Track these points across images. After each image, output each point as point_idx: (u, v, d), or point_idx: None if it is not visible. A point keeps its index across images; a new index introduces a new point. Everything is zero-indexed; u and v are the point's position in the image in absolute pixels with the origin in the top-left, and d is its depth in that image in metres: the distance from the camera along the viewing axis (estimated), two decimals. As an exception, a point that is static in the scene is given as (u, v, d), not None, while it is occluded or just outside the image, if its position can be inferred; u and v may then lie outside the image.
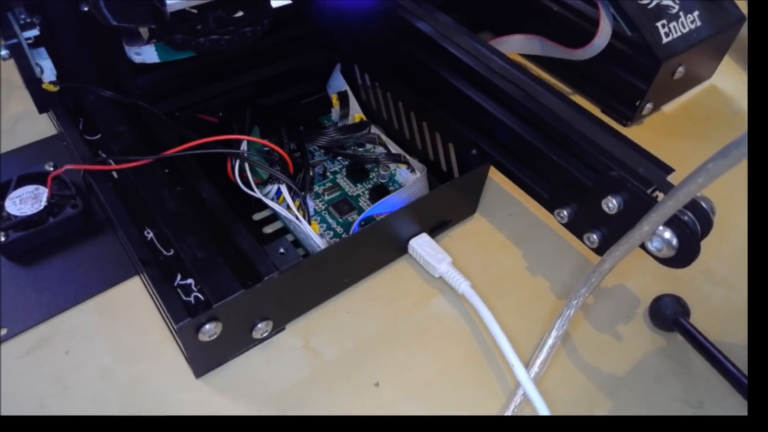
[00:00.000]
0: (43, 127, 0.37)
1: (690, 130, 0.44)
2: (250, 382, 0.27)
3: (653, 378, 0.29)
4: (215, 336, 0.24)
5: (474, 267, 0.32)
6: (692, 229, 0.24)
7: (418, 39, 0.35)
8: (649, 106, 0.43)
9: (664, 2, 0.42)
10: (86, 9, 0.27)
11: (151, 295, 0.29)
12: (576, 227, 0.30)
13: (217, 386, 0.27)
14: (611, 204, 0.26)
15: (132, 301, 0.29)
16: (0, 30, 0.26)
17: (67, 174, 0.32)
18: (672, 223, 0.24)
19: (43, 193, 0.32)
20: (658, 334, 0.31)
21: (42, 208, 0.31)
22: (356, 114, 0.38)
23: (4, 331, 0.27)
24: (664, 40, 0.40)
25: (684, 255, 0.24)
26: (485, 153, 0.32)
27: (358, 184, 0.35)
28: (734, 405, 0.28)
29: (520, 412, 0.26)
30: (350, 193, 0.35)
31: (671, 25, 0.41)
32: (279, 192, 0.31)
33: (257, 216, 0.33)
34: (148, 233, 0.27)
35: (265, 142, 0.30)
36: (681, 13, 0.42)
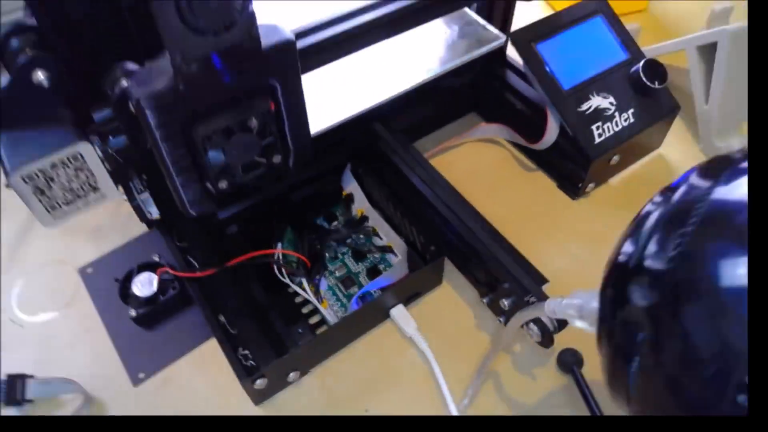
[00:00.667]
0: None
1: (631, 200, 0.56)
2: (290, 407, 0.44)
3: (553, 405, 0.43)
4: (264, 385, 0.41)
5: (436, 325, 0.47)
6: (548, 328, 0.38)
7: (392, 167, 0.50)
8: (591, 185, 0.55)
9: (601, 106, 0.53)
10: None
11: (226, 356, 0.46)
12: (493, 309, 0.44)
13: (267, 409, 0.44)
14: (504, 303, 0.40)
15: (213, 355, 0.46)
16: (126, 195, 0.43)
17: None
18: (538, 320, 0.38)
19: (154, 278, 0.49)
20: (563, 375, 0.45)
21: (155, 290, 0.48)
22: (359, 209, 0.52)
23: (142, 375, 0.45)
24: (597, 140, 0.52)
25: (545, 341, 0.38)
26: (441, 249, 0.46)
27: (359, 263, 0.50)
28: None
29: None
30: (353, 271, 0.50)
31: (605, 126, 0.53)
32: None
33: (298, 298, 0.49)
34: (221, 317, 0.43)
35: (290, 252, 0.46)
36: (616, 114, 0.53)
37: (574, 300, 0.32)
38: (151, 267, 0.50)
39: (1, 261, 0.53)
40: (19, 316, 0.49)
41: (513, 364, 0.46)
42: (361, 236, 0.52)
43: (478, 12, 0.56)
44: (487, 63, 0.57)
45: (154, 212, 0.46)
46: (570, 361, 0.44)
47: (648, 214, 0.28)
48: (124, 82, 0.33)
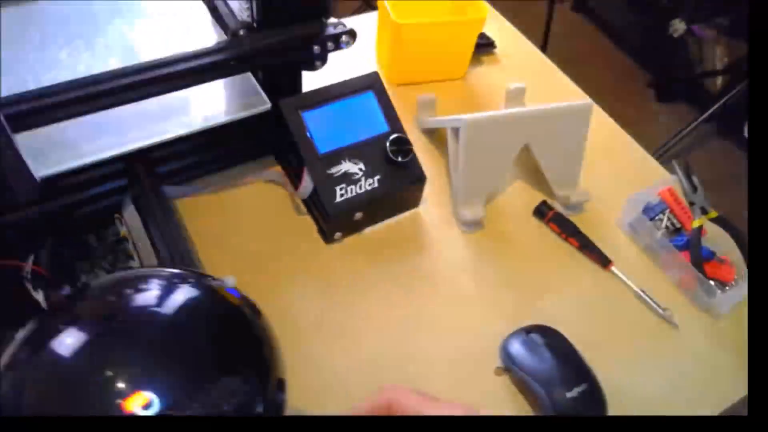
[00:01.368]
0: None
1: (376, 249, 0.65)
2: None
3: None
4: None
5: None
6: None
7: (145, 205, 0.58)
8: (338, 234, 0.64)
9: (350, 171, 0.62)
10: None
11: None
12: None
13: None
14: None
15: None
16: None
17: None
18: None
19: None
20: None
21: None
22: (123, 231, 0.60)
23: None
24: (337, 199, 0.61)
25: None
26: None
27: (114, 280, 0.58)
28: None
29: None
30: (107, 286, 0.58)
31: (349, 188, 0.61)
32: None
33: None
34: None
35: (31, 264, 0.53)
36: (362, 179, 0.62)
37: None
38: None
39: None
40: None
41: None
42: (119, 256, 0.59)
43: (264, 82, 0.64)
44: (262, 119, 0.64)
45: None
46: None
47: None
48: None
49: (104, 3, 0.66)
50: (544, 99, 0.83)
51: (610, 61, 2.21)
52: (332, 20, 0.61)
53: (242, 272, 0.62)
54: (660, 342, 0.60)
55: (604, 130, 0.81)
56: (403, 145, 0.63)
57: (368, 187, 0.62)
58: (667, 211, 0.67)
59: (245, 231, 0.65)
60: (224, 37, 0.58)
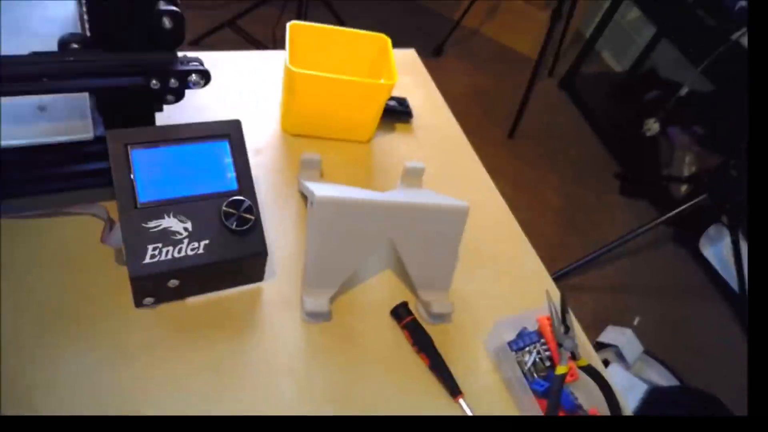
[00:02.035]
0: None
1: (202, 331, 0.55)
2: None
3: None
4: None
5: None
6: None
7: None
8: (149, 300, 0.54)
9: (171, 229, 0.52)
10: None
11: None
12: None
13: None
14: None
15: None
16: None
17: None
18: None
19: None
20: None
21: None
22: None
23: None
24: (147, 260, 0.51)
25: None
26: None
27: None
28: None
29: None
30: None
31: (165, 249, 0.52)
32: None
33: None
34: None
35: None
36: (185, 241, 0.52)
37: None
38: None
39: None
40: None
41: None
42: None
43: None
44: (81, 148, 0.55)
45: None
46: None
47: None
48: None
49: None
50: (447, 183, 0.75)
51: (583, 143, 2.17)
52: (187, 54, 0.53)
53: (34, 319, 0.53)
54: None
55: (505, 231, 0.73)
56: (243, 209, 0.54)
57: (190, 252, 0.52)
58: (541, 342, 0.58)
59: (54, 270, 0.55)
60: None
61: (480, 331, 0.61)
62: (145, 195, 0.52)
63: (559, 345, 0.55)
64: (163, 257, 0.52)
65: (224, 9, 2.05)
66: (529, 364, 0.57)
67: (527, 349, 0.58)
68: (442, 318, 0.60)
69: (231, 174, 0.56)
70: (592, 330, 1.52)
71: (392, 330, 0.59)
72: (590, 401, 0.56)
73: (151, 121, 0.58)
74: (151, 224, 0.52)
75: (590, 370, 0.54)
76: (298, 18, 1.75)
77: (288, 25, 0.72)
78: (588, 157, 2.13)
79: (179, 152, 0.54)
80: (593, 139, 2.19)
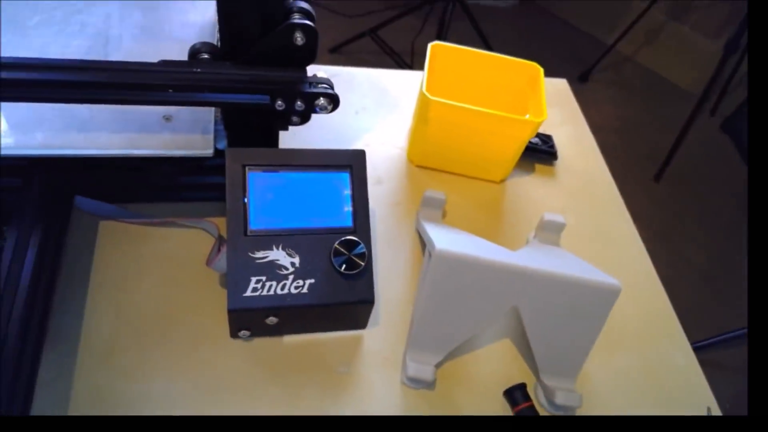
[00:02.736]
0: None
1: (291, 376, 0.50)
2: None
3: None
4: None
5: None
6: None
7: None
8: (245, 333, 0.50)
9: (278, 262, 0.48)
10: None
11: None
12: None
13: None
14: None
15: None
16: None
17: None
18: None
19: None
20: None
21: None
22: None
23: None
24: (248, 293, 0.47)
25: None
26: None
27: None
28: None
29: None
30: None
31: (269, 284, 0.47)
32: None
33: None
34: None
35: None
36: (290, 277, 0.48)
37: None
38: None
39: None
40: None
41: None
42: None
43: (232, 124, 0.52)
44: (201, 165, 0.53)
45: None
46: None
47: None
48: None
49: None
50: (589, 242, 0.64)
51: (742, 195, 1.89)
52: (317, 75, 0.48)
53: (133, 330, 0.52)
54: None
55: (654, 311, 0.61)
56: (355, 251, 0.48)
57: (294, 290, 0.48)
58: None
59: (159, 281, 0.53)
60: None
61: None
62: (256, 222, 0.48)
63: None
64: (265, 292, 0.47)
65: (366, 17, 2.06)
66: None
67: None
68: (564, 410, 0.50)
69: (348, 209, 0.50)
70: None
71: (504, 412, 0.50)
72: None
73: (275, 139, 0.54)
74: (258, 254, 0.48)
75: None
76: (440, 31, 1.70)
77: (430, 45, 0.66)
78: (746, 213, 1.85)
79: (297, 180, 0.50)
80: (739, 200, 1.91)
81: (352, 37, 1.89)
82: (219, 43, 0.50)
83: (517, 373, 0.53)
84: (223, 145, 0.54)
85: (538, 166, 0.72)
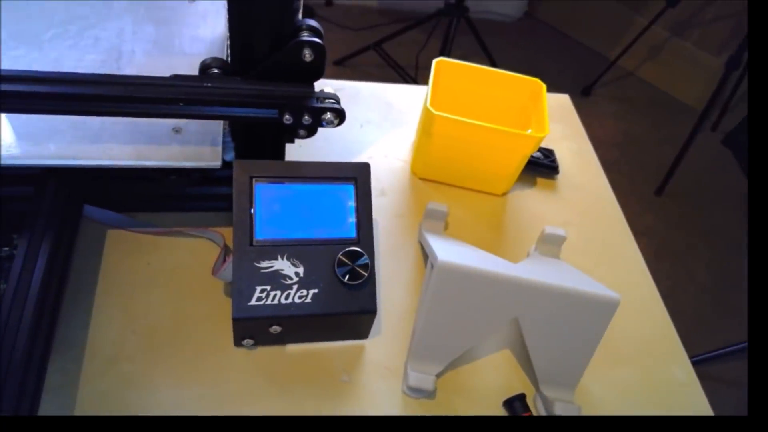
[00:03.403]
0: None
1: (295, 385, 0.51)
2: None
3: None
4: None
5: None
6: None
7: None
8: (249, 341, 0.51)
9: (283, 272, 0.49)
10: None
11: None
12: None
13: None
14: None
15: None
16: None
17: None
18: None
19: None
20: None
21: None
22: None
23: None
24: (252, 302, 0.48)
25: None
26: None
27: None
28: None
29: None
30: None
31: (273, 293, 0.48)
32: None
33: None
34: None
35: None
36: (294, 287, 0.49)
37: None
38: None
39: None
40: None
41: None
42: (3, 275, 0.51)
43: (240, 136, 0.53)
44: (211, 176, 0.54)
45: None
46: None
47: None
48: None
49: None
50: (589, 255, 0.65)
51: (743, 210, 1.90)
52: (324, 90, 0.49)
53: (140, 339, 0.53)
54: None
55: (653, 324, 0.61)
56: (358, 262, 0.49)
57: (298, 300, 0.49)
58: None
59: (165, 290, 0.54)
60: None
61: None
62: (262, 232, 0.49)
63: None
64: (269, 301, 0.48)
65: (371, 31, 2.08)
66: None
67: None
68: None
69: (352, 220, 0.51)
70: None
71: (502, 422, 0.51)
72: None
73: (281, 151, 0.56)
74: (264, 264, 0.49)
75: None
76: (444, 45, 1.72)
77: (434, 61, 0.67)
78: (747, 227, 1.86)
79: (302, 191, 0.51)
80: (737, 211, 1.91)
81: (357, 51, 1.91)
82: (229, 59, 0.52)
83: (516, 383, 0.53)
84: (230, 156, 0.55)
85: (539, 180, 0.73)
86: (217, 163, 0.50)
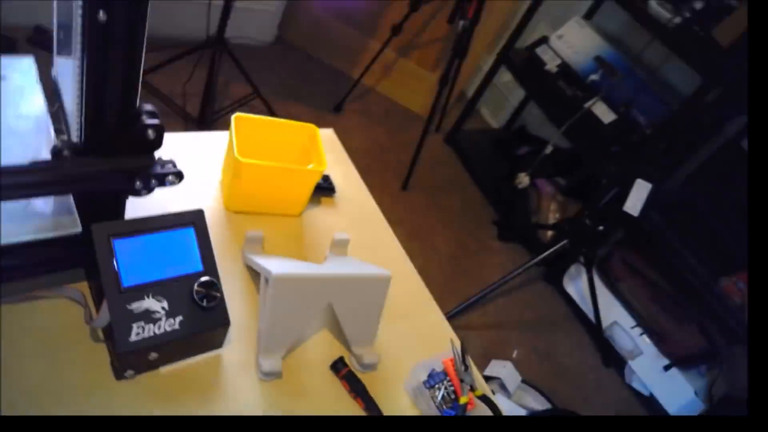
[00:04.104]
0: None
1: (178, 396, 0.64)
2: None
3: None
4: None
5: None
6: None
7: None
8: (130, 372, 0.62)
9: (152, 308, 0.61)
10: None
11: None
12: None
13: None
14: None
15: None
16: None
17: None
18: None
19: None
20: None
21: None
22: None
23: None
24: (132, 338, 0.60)
25: None
26: None
27: None
28: None
29: None
30: None
31: (147, 327, 0.61)
32: None
33: None
34: None
35: None
36: (163, 318, 0.62)
37: None
38: None
39: None
40: None
41: None
42: None
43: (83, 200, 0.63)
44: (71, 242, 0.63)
45: None
46: None
47: None
48: None
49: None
50: (366, 250, 0.90)
51: (467, 194, 2.44)
52: (161, 157, 0.63)
53: (14, 400, 0.58)
54: None
55: (413, 291, 0.89)
56: (211, 288, 0.64)
57: (168, 328, 0.62)
58: (447, 380, 0.74)
59: (29, 351, 0.61)
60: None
61: (400, 375, 0.76)
62: (127, 280, 0.61)
63: (461, 380, 0.71)
64: (146, 334, 0.60)
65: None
66: (439, 398, 0.72)
67: (437, 386, 0.73)
68: (371, 367, 0.74)
69: (197, 257, 0.66)
70: (480, 364, 1.73)
71: (332, 382, 0.72)
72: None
73: (122, 209, 0.67)
74: (134, 305, 0.61)
75: (485, 399, 0.71)
76: (210, 75, 1.84)
77: (233, 117, 0.84)
78: (471, 205, 2.40)
79: (153, 240, 0.64)
80: (474, 190, 2.47)
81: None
82: (67, 135, 0.61)
83: (336, 350, 0.75)
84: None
85: (323, 199, 0.95)
86: (77, 230, 0.60)
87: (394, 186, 2.27)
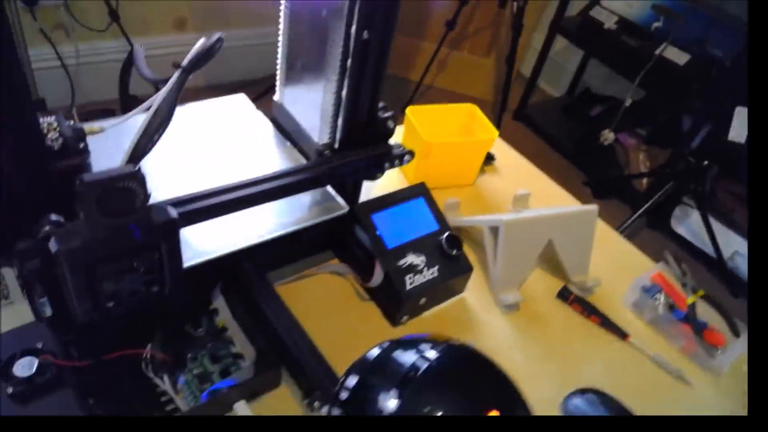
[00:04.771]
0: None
1: (432, 329, 0.74)
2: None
3: None
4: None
5: (266, 422, 0.61)
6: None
7: (251, 294, 0.65)
8: (405, 317, 0.74)
9: (414, 263, 0.73)
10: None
11: None
12: (310, 408, 0.59)
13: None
14: (316, 405, 0.56)
15: None
16: (28, 299, 0.55)
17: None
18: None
19: (35, 362, 0.59)
20: None
21: (33, 372, 0.58)
22: (221, 320, 0.67)
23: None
24: (408, 287, 0.71)
25: None
26: (277, 360, 0.61)
27: (214, 365, 0.64)
28: None
29: None
30: (208, 370, 0.63)
31: (415, 278, 0.72)
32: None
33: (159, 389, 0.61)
34: (90, 400, 0.55)
35: (157, 352, 0.59)
36: (425, 269, 0.73)
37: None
38: (34, 352, 0.60)
39: None
40: None
41: None
42: (219, 343, 0.65)
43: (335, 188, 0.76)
44: (340, 221, 0.75)
45: (47, 312, 0.57)
46: None
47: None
48: (48, 228, 0.47)
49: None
50: (540, 202, 0.99)
51: (549, 162, 2.50)
52: (394, 142, 0.75)
53: (325, 350, 0.70)
54: (677, 396, 0.73)
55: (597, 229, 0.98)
56: (454, 241, 0.75)
57: (430, 276, 0.73)
58: (661, 291, 0.82)
59: (317, 315, 0.73)
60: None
61: (615, 295, 0.84)
62: (389, 243, 0.73)
63: (683, 284, 0.79)
64: (416, 283, 0.72)
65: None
66: (660, 304, 0.80)
67: (654, 297, 0.81)
68: (591, 291, 0.83)
69: (432, 219, 0.77)
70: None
71: (561, 308, 0.81)
72: (710, 321, 0.80)
73: (359, 191, 0.78)
74: (401, 262, 0.72)
75: (707, 297, 0.79)
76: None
77: (407, 109, 0.95)
78: (559, 172, 2.45)
79: (397, 210, 0.76)
80: (557, 157, 2.53)
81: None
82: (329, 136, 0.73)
83: (556, 282, 0.84)
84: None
85: (486, 168, 1.05)
86: (345, 210, 0.72)
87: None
